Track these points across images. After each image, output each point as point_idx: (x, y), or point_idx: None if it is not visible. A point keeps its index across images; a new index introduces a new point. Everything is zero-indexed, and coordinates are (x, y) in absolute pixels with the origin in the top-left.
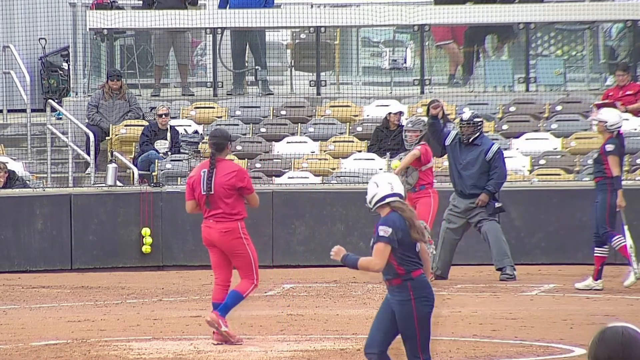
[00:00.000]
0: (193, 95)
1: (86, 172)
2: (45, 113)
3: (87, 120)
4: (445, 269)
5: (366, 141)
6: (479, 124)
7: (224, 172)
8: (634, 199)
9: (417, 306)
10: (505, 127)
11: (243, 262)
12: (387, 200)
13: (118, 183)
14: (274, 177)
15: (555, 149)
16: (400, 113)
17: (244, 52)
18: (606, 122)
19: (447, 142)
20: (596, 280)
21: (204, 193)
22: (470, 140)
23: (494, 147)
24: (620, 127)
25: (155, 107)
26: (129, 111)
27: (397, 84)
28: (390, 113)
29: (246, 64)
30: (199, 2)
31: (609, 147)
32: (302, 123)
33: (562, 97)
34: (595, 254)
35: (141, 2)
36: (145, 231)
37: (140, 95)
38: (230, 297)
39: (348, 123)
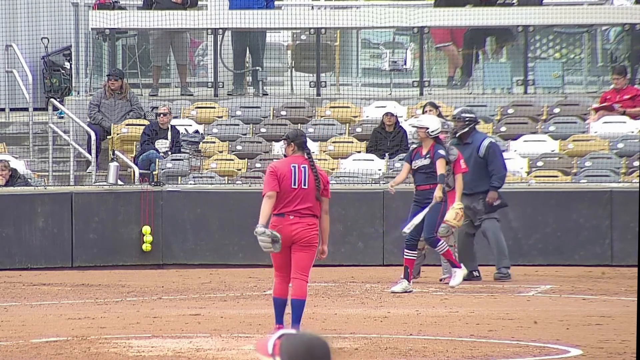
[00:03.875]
0: (192, 95)
1: (87, 171)
2: (47, 112)
3: (88, 119)
4: (471, 264)
5: (365, 142)
6: (468, 119)
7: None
8: (630, 201)
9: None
10: (503, 129)
11: (310, 258)
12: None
13: (119, 182)
14: None
15: (553, 151)
16: (391, 114)
17: (245, 53)
18: (427, 128)
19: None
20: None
21: (295, 187)
22: (458, 135)
23: (485, 142)
24: (439, 132)
25: (157, 107)
26: (130, 111)
27: (397, 85)
28: (384, 114)
29: (246, 65)
30: (200, 2)
31: (441, 152)
32: (302, 123)
33: (560, 99)
34: (405, 256)
35: (142, 2)
36: (146, 230)
37: (142, 95)
38: (299, 308)
39: (347, 124)
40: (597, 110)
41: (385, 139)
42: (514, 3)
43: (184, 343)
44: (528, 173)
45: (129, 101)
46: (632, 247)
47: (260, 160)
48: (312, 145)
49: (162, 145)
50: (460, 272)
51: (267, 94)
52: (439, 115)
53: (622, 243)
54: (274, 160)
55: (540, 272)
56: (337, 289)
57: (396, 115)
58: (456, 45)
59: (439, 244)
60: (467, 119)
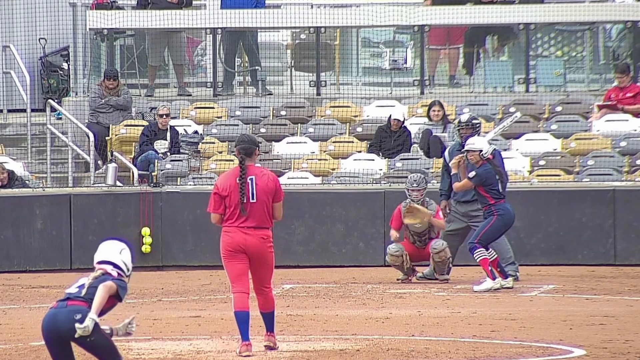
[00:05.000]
0: (190, 95)
1: (86, 172)
2: (45, 113)
3: (87, 120)
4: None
5: (366, 142)
6: (477, 125)
7: (263, 178)
8: (633, 200)
9: None
10: None
11: (268, 272)
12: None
13: (118, 183)
14: None
15: (555, 149)
16: (398, 120)
17: (235, 53)
18: (481, 150)
19: (446, 153)
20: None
21: (245, 201)
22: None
23: (490, 149)
24: (489, 154)
25: (156, 107)
26: (123, 109)
27: (397, 84)
28: (392, 117)
29: (242, 65)
30: (197, 2)
31: (479, 171)
32: (302, 123)
33: (562, 98)
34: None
35: (136, 2)
36: (145, 231)
37: (140, 95)
38: (271, 318)
39: (348, 123)
40: (601, 107)
41: (389, 138)
42: (515, 1)
43: (184, 345)
44: (530, 172)
45: (122, 99)
46: (635, 246)
47: (260, 160)
48: (312, 146)
49: (161, 146)
50: (490, 283)
51: (272, 94)
52: (443, 115)
53: (625, 242)
54: (274, 160)
55: (543, 271)
56: (338, 290)
57: (403, 120)
58: (453, 47)
59: (477, 251)
60: (476, 125)
